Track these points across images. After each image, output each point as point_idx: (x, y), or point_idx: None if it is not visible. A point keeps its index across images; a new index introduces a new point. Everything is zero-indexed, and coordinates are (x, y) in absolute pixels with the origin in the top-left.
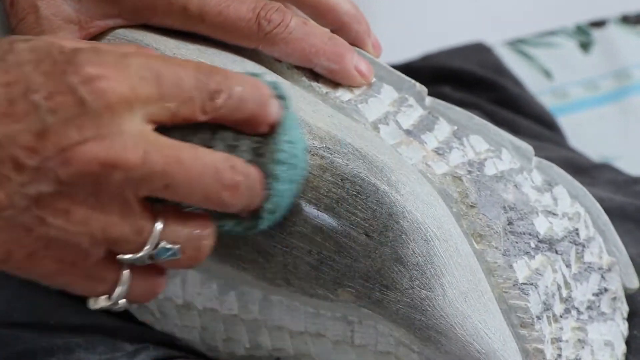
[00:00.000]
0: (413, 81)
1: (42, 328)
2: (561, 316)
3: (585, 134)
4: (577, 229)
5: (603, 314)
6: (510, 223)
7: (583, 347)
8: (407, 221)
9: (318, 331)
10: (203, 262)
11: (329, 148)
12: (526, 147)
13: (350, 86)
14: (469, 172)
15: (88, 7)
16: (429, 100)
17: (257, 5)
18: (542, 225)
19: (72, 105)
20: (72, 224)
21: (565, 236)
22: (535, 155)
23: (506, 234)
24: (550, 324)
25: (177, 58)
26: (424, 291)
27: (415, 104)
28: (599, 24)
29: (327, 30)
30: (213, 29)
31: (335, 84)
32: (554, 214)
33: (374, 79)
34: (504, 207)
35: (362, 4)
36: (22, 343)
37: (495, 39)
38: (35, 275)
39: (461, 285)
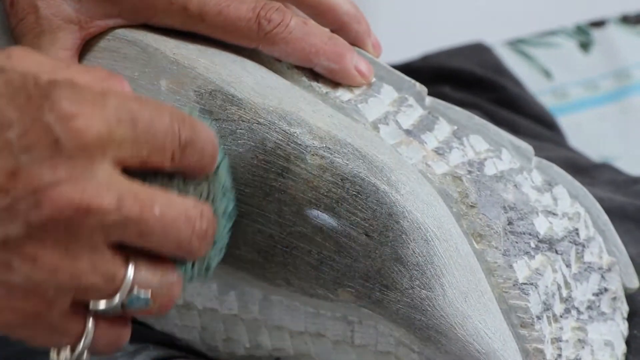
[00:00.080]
0: (413, 81)
1: None
2: (561, 316)
3: (585, 134)
4: (577, 229)
5: (603, 313)
6: (510, 223)
7: (583, 347)
8: (407, 221)
9: (318, 331)
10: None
11: (329, 148)
12: (526, 147)
13: (350, 86)
14: (469, 172)
15: (88, 7)
16: (428, 100)
17: (257, 5)
18: (542, 225)
19: (46, 145)
20: (39, 272)
21: (565, 236)
22: (535, 155)
23: (506, 234)
24: (550, 323)
25: (153, 101)
26: (424, 291)
27: (415, 104)
28: (598, 24)
29: (327, 30)
30: (213, 28)
31: (335, 83)
32: (554, 214)
33: (373, 79)
34: (504, 207)
35: (362, 4)
36: (22, 342)
37: (495, 39)
38: None
39: (461, 285)
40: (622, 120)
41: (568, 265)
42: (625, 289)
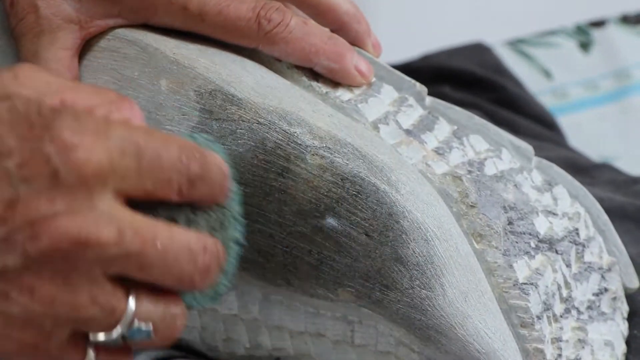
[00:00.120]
0: (413, 81)
1: None
2: (561, 316)
3: (585, 134)
4: (577, 229)
5: (603, 313)
6: (510, 223)
7: (583, 347)
8: (407, 221)
9: (318, 331)
10: None
11: (329, 148)
12: (526, 146)
13: (350, 86)
14: (469, 171)
15: (88, 7)
16: (429, 100)
17: (257, 4)
18: (542, 225)
19: (45, 176)
20: (36, 303)
21: (566, 236)
22: (535, 155)
23: (506, 233)
24: (550, 323)
25: (161, 132)
26: (424, 291)
27: (415, 104)
28: (598, 23)
29: (327, 29)
30: (213, 28)
31: (335, 83)
32: (554, 214)
33: (373, 79)
34: (504, 207)
35: (362, 4)
36: None
37: (495, 38)
38: None
39: (461, 285)
40: (622, 120)
41: (568, 265)
42: (626, 289)
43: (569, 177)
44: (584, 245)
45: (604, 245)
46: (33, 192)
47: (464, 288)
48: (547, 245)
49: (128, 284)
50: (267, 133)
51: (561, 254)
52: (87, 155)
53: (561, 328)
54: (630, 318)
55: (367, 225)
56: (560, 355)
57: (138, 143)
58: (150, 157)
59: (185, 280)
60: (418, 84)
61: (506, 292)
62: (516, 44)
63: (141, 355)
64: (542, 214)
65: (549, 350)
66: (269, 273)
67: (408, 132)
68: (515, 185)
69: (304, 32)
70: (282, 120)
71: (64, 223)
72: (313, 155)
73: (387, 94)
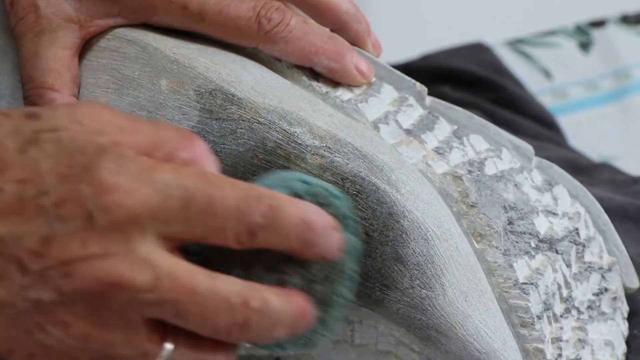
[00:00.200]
0: (413, 81)
1: None
2: (561, 316)
3: (585, 133)
4: (577, 229)
5: (603, 313)
6: (510, 223)
7: (583, 347)
8: (408, 220)
9: None
10: None
11: (329, 147)
12: (526, 146)
13: (350, 85)
14: (469, 171)
15: (88, 6)
16: (429, 99)
17: (258, 4)
18: (542, 225)
19: (79, 218)
20: (71, 338)
21: (566, 236)
22: (535, 155)
23: (506, 233)
24: (550, 323)
25: (224, 177)
26: (424, 291)
27: (415, 104)
28: (598, 23)
29: (327, 29)
30: (213, 27)
31: (335, 83)
32: (554, 214)
33: (374, 79)
34: (504, 207)
35: (362, 4)
36: None
37: (494, 38)
38: None
39: (461, 284)
40: (622, 120)
41: (568, 265)
42: (626, 289)
43: (569, 177)
44: (584, 245)
45: (604, 245)
46: (68, 231)
47: (464, 288)
48: (547, 245)
49: (168, 329)
50: (267, 133)
51: (561, 254)
52: (121, 199)
53: (561, 328)
54: (631, 318)
55: (367, 224)
56: (560, 355)
57: (187, 187)
58: (200, 204)
59: (222, 332)
60: (418, 84)
61: (506, 291)
62: (516, 44)
63: None
64: (543, 213)
65: (549, 350)
66: None
67: (408, 131)
68: (516, 185)
69: (304, 31)
70: (282, 120)
71: (96, 266)
72: (313, 154)
73: (387, 93)
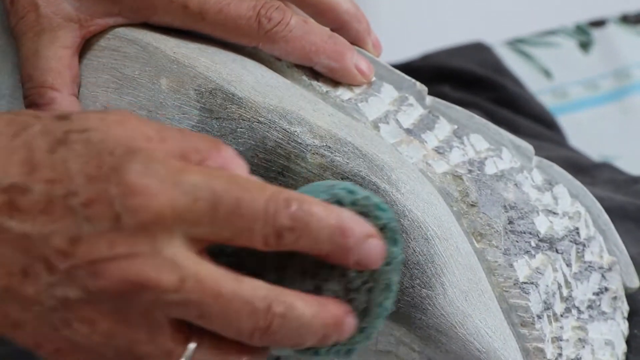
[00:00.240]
0: (413, 80)
1: None
2: (562, 315)
3: (585, 133)
4: (577, 228)
5: (603, 313)
6: (510, 222)
7: (583, 346)
8: (408, 220)
9: None
10: None
11: (330, 147)
12: (526, 146)
13: (350, 85)
14: (470, 171)
15: (88, 6)
16: (429, 99)
17: (258, 3)
18: (542, 225)
19: (107, 218)
20: (97, 335)
21: (566, 235)
22: (536, 154)
23: (507, 233)
24: (550, 323)
25: (253, 180)
26: (424, 290)
27: (416, 103)
28: (598, 23)
29: (327, 28)
30: (213, 27)
31: (335, 82)
32: (554, 213)
33: (374, 78)
34: (505, 206)
35: (362, 4)
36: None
37: (494, 38)
38: None
39: (462, 284)
40: (622, 120)
41: (568, 265)
42: (626, 289)
43: (569, 177)
44: (584, 245)
45: (604, 244)
46: (95, 232)
47: (464, 287)
48: (547, 244)
49: (193, 329)
50: (267, 132)
51: (561, 253)
52: (148, 200)
53: (561, 327)
54: (631, 317)
55: None
56: (560, 354)
57: (215, 190)
58: (227, 206)
59: (245, 335)
60: (418, 83)
61: (506, 291)
62: (516, 44)
63: None
64: (543, 213)
65: (549, 350)
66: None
67: (408, 131)
68: (516, 185)
69: (304, 30)
70: (283, 119)
71: (123, 266)
72: (313, 154)
73: (388, 93)
